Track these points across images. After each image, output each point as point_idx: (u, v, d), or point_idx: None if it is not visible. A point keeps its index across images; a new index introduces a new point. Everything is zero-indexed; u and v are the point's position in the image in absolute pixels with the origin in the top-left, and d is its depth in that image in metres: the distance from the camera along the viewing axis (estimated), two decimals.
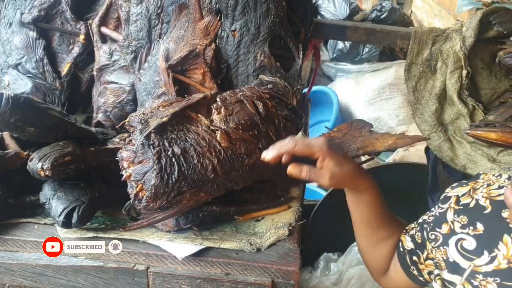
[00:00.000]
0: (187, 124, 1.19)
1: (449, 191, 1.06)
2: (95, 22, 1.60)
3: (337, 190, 2.09)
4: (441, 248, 1.01)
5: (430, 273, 1.10)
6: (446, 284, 1.02)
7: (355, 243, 2.05)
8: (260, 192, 1.30)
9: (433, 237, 1.04)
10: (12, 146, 1.27)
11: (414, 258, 1.11)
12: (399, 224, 1.20)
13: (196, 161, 1.13)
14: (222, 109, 1.24)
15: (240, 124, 1.23)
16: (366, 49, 3.51)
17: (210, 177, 1.15)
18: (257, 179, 1.28)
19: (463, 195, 1.02)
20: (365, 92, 3.34)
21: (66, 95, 1.60)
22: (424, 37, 1.94)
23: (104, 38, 1.60)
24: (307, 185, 1.72)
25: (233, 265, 1.12)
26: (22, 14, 1.62)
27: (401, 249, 1.14)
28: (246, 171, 1.22)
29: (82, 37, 1.61)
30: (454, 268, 0.98)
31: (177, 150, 1.12)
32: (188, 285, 1.12)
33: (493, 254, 0.93)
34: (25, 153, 1.24)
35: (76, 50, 1.62)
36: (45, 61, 1.59)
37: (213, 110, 1.25)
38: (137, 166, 1.10)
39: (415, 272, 1.12)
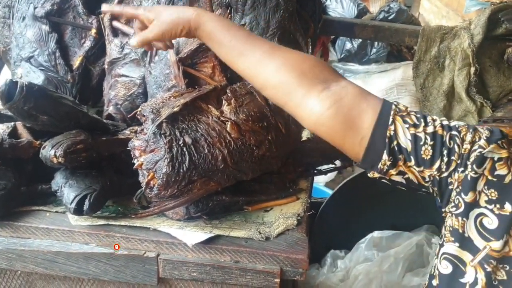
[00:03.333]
0: (197, 114, 1.21)
1: (484, 146, 0.89)
2: (106, 16, 1.61)
3: (344, 188, 2.11)
4: (459, 218, 0.91)
5: (401, 173, 0.93)
6: (452, 259, 0.93)
7: (362, 240, 2.07)
8: (269, 183, 1.32)
9: (456, 201, 0.91)
10: (25, 135, 1.29)
11: (399, 155, 0.91)
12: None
13: (206, 151, 1.15)
14: (232, 101, 1.26)
15: (250, 116, 1.24)
16: (374, 50, 3.51)
17: (220, 167, 1.16)
18: (266, 170, 1.29)
19: (499, 160, 0.89)
20: (373, 92, 3.35)
21: (77, 88, 1.62)
22: (432, 35, 1.95)
23: (115, 32, 1.62)
24: (315, 184, 1.72)
25: (242, 253, 1.13)
26: (35, 8, 1.64)
27: (389, 132, 0.91)
28: (255, 162, 1.23)
29: (94, 31, 1.63)
30: (467, 244, 0.91)
31: (188, 139, 1.14)
32: (197, 272, 1.13)
33: (506, 239, 0.88)
34: (38, 142, 1.26)
35: (87, 44, 1.64)
36: (57, 54, 1.61)
37: (223, 101, 1.26)
38: (148, 155, 1.12)
39: (384, 157, 0.91)
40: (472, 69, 1.78)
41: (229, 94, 1.27)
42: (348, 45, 3.56)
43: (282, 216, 1.21)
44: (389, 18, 3.49)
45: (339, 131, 0.94)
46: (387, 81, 3.41)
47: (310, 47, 1.63)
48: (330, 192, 2.63)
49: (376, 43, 3.42)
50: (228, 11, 1.53)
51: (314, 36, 1.78)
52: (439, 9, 3.90)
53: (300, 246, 1.13)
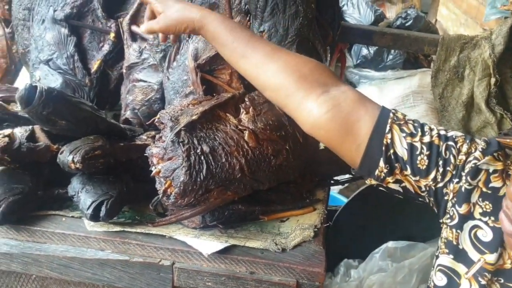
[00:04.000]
0: (215, 123, 1.20)
1: (479, 158, 0.88)
2: (125, 21, 1.62)
3: (359, 196, 2.09)
4: (453, 230, 0.91)
5: (397, 181, 0.93)
6: (447, 271, 0.92)
7: (376, 249, 2.04)
8: (285, 193, 1.30)
9: (451, 213, 0.91)
10: (43, 139, 1.29)
11: (396, 164, 0.91)
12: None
13: (224, 160, 1.14)
14: (251, 109, 1.25)
15: (268, 125, 1.23)
16: (391, 56, 3.49)
17: (237, 176, 1.15)
18: (283, 180, 1.28)
19: (494, 172, 0.88)
20: (388, 100, 3.32)
21: (95, 92, 1.62)
22: (452, 44, 1.92)
23: (134, 37, 1.62)
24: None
25: (258, 264, 1.12)
26: (55, 11, 1.64)
27: (386, 140, 0.91)
28: (273, 172, 1.22)
29: (112, 35, 1.63)
30: (461, 257, 0.90)
31: (206, 148, 1.13)
32: (212, 282, 1.12)
33: (500, 252, 0.86)
34: (55, 146, 1.26)
35: (106, 47, 1.64)
36: (76, 57, 1.62)
37: (242, 110, 1.25)
38: (166, 162, 1.11)
39: (381, 165, 0.91)
40: (493, 80, 1.75)
41: (247, 103, 1.26)
42: (364, 51, 3.54)
43: (299, 227, 1.19)
44: (407, 24, 3.47)
45: (336, 135, 0.94)
46: (403, 88, 3.38)
47: (329, 54, 1.61)
48: (344, 199, 2.61)
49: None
50: (248, 18, 1.52)
51: (332, 43, 1.77)
52: (457, 17, 3.86)
53: (317, 258, 1.12)
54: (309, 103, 0.95)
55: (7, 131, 1.22)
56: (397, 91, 3.37)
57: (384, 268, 1.97)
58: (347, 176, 1.48)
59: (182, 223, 1.21)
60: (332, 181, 1.42)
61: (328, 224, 1.25)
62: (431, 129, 0.92)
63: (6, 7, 1.84)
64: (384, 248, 2.01)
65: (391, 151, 0.91)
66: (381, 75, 3.52)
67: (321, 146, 1.50)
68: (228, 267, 1.13)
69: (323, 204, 1.30)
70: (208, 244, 1.15)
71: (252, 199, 1.24)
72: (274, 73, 1.00)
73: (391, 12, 4.56)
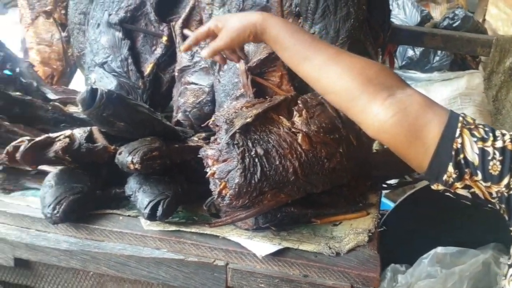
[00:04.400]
0: (269, 125, 1.20)
1: None
2: (178, 24, 1.65)
3: (408, 200, 2.05)
4: None
5: (467, 187, 0.89)
6: None
7: (425, 255, 2.00)
8: (338, 196, 1.30)
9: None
10: (101, 140, 1.33)
11: (466, 169, 0.88)
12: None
13: (277, 162, 1.14)
14: (304, 112, 1.25)
15: (321, 127, 1.23)
16: (437, 58, 3.41)
17: (290, 179, 1.15)
18: (336, 183, 1.27)
19: None
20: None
21: (148, 94, 1.66)
22: (507, 45, 1.87)
23: (186, 40, 1.64)
24: None
25: (312, 267, 1.12)
26: (109, 15, 1.69)
27: (455, 145, 0.87)
28: (326, 175, 1.22)
29: (165, 38, 1.67)
30: None
31: (260, 150, 1.14)
32: (266, 284, 1.13)
33: None
34: (113, 147, 1.29)
35: (158, 51, 1.68)
36: (130, 60, 1.66)
37: (295, 112, 1.25)
38: (221, 164, 1.13)
39: (450, 170, 0.88)
40: None
41: (300, 105, 1.27)
42: (410, 52, 3.48)
43: (353, 232, 1.19)
44: (454, 25, 3.38)
45: (402, 139, 0.92)
46: (450, 90, 3.30)
47: (380, 56, 1.60)
48: (390, 203, 2.57)
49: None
50: (298, 19, 1.52)
51: (383, 45, 1.75)
52: (508, 16, 3.74)
53: (372, 263, 1.11)
54: (375, 107, 0.93)
55: (68, 132, 1.27)
56: (444, 93, 3.29)
57: (433, 274, 1.92)
58: (398, 180, 1.46)
59: (235, 224, 1.22)
60: (384, 185, 1.41)
61: (382, 229, 1.24)
62: (503, 134, 0.89)
63: (63, 11, 1.91)
64: (433, 254, 1.97)
65: (461, 156, 0.88)
66: (427, 76, 3.44)
67: (374, 149, 1.48)
68: (281, 270, 1.13)
69: (376, 208, 1.29)
70: (261, 245, 1.16)
71: (304, 202, 1.24)
72: (338, 75, 0.99)
73: (435, 12, 4.46)
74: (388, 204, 2.49)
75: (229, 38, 1.12)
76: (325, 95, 1.06)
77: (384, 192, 2.89)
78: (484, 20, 4.31)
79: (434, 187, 0.93)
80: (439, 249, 1.97)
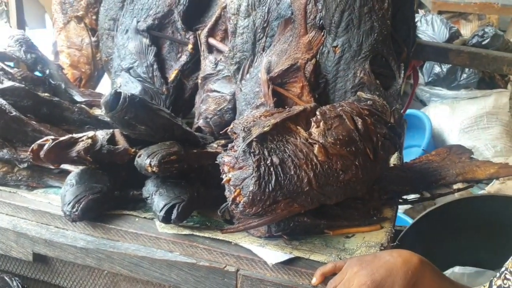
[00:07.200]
0: (286, 135, 1.22)
1: None
2: (203, 33, 1.68)
3: (427, 217, 2.03)
4: None
5: None
6: None
7: (443, 273, 1.97)
8: (352, 208, 1.30)
9: None
10: (122, 143, 1.36)
11: None
12: None
13: (292, 172, 1.15)
14: (321, 123, 1.26)
15: (338, 139, 1.23)
16: (464, 75, 3.38)
17: (304, 189, 1.16)
18: (351, 196, 1.27)
19: None
20: (460, 119, 3.21)
21: (171, 100, 1.69)
22: None
23: (210, 49, 1.68)
24: None
25: None
26: (138, 22, 1.74)
27: None
28: (341, 187, 1.22)
29: (190, 46, 1.70)
30: None
31: (275, 160, 1.15)
32: None
33: None
34: (133, 150, 1.32)
35: (183, 58, 1.72)
36: (155, 67, 1.70)
37: (312, 124, 1.26)
38: (237, 171, 1.14)
39: None
40: None
41: (318, 117, 1.27)
42: (437, 69, 3.46)
43: (365, 245, 1.18)
44: (483, 43, 3.36)
45: None
46: (477, 109, 3.26)
47: (403, 71, 1.59)
48: (408, 219, 2.54)
49: None
50: (322, 33, 1.54)
51: (406, 60, 1.74)
52: None
53: None
54: None
55: (90, 134, 1.31)
56: (470, 111, 3.25)
57: None
58: (415, 195, 1.45)
59: (247, 231, 1.24)
60: (400, 200, 1.40)
61: (395, 243, 1.23)
62: None
63: (94, 17, 1.97)
64: (450, 273, 1.94)
65: None
66: (453, 94, 3.41)
67: (391, 164, 1.48)
68: (291, 279, 1.14)
69: (390, 222, 1.28)
70: (272, 254, 1.17)
71: (317, 212, 1.25)
72: None
73: (466, 30, 4.42)
74: (407, 221, 2.47)
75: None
76: None
77: (404, 208, 2.87)
78: None
79: None
80: (457, 269, 1.95)
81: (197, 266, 1.18)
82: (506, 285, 0.94)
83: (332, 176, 1.20)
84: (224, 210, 1.26)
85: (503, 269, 0.97)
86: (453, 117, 3.27)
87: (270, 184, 1.12)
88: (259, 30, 1.59)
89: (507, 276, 0.94)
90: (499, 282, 0.96)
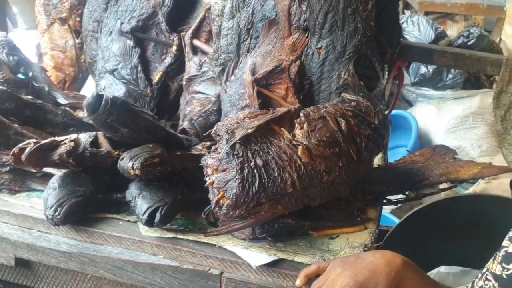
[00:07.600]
0: (270, 137, 1.21)
1: None
2: (188, 35, 1.68)
3: (413, 217, 2.04)
4: None
5: None
6: None
7: (428, 273, 1.98)
8: (336, 209, 1.30)
9: None
10: (105, 145, 1.35)
11: None
12: None
13: (276, 174, 1.15)
14: (305, 125, 1.26)
15: (322, 141, 1.23)
16: (450, 76, 3.40)
17: (288, 191, 1.16)
18: (334, 197, 1.28)
19: None
20: (446, 120, 3.24)
21: (156, 102, 1.69)
22: None
23: (195, 50, 1.68)
24: None
25: None
26: (122, 23, 1.73)
27: None
28: (324, 188, 1.22)
29: (174, 48, 1.69)
30: None
31: (259, 161, 1.15)
32: None
33: None
34: (116, 152, 1.31)
35: (168, 60, 1.71)
36: (139, 68, 1.69)
37: (296, 125, 1.26)
38: (220, 174, 1.14)
39: None
40: None
41: (302, 118, 1.27)
42: (423, 69, 3.48)
43: (349, 246, 1.19)
44: (469, 43, 3.38)
45: None
46: (463, 109, 3.29)
47: (386, 72, 1.60)
48: (395, 219, 2.56)
49: None
50: (306, 34, 1.54)
51: (391, 61, 1.75)
52: None
53: None
54: None
55: (73, 136, 1.30)
56: (456, 111, 3.28)
57: None
58: (400, 196, 1.45)
59: (232, 233, 1.23)
60: (384, 201, 1.40)
61: (378, 244, 1.23)
62: None
63: (78, 19, 1.95)
64: (436, 273, 1.95)
65: None
66: (439, 94, 3.44)
67: (375, 164, 1.48)
68: (275, 281, 1.14)
69: (374, 223, 1.28)
70: (256, 256, 1.16)
71: (302, 214, 1.25)
72: None
73: (452, 30, 4.45)
74: (394, 220, 2.48)
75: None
76: None
77: (391, 208, 2.89)
78: (500, 39, 4.28)
79: None
80: (442, 268, 1.96)
81: (181, 269, 1.18)
82: (487, 286, 0.94)
83: (315, 178, 1.20)
84: (208, 212, 1.25)
85: (484, 270, 0.98)
86: (439, 117, 3.30)
87: (253, 186, 1.12)
88: (243, 32, 1.59)
89: (488, 277, 0.95)
90: (481, 283, 0.97)
